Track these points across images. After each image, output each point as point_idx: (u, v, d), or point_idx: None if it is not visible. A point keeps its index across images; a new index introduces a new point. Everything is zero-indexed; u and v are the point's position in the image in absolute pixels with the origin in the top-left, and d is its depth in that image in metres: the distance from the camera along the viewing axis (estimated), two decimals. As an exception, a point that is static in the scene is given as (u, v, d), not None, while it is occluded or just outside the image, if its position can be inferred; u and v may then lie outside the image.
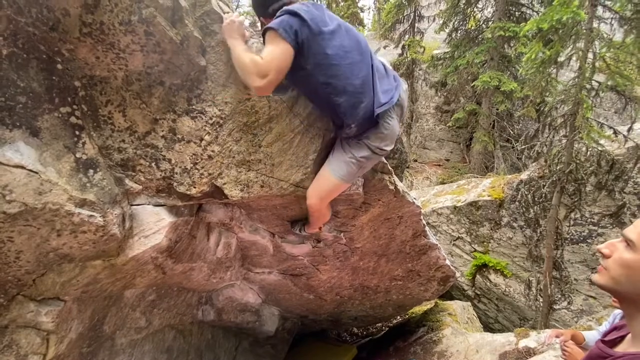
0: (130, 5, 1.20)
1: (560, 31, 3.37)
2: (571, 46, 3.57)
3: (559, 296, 4.44)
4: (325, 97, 1.43)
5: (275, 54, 1.29)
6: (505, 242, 5.38)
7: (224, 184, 1.58)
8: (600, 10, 3.73)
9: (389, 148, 1.57)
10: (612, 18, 3.69)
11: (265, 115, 1.54)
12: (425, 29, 11.37)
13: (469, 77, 9.32)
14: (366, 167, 1.66)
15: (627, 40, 3.40)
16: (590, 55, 3.50)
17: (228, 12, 1.46)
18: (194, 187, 1.57)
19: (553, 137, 4.18)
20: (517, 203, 4.77)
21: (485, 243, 5.72)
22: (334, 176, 1.57)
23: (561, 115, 3.88)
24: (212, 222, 1.96)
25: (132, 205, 1.55)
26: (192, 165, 1.54)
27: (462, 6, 9.47)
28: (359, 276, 2.94)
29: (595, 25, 3.51)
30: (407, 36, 11.39)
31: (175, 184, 1.55)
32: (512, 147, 8.73)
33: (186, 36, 1.35)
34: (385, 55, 15.16)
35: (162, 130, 1.48)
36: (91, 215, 1.34)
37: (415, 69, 11.32)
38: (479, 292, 5.88)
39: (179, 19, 1.31)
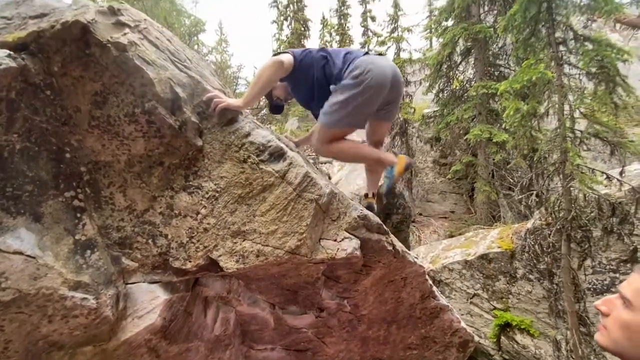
0: (134, 100, 1.35)
1: (533, 89, 3.66)
2: (547, 100, 3.82)
3: (592, 358, 4.01)
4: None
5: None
6: (525, 296, 5.05)
7: (219, 256, 1.59)
8: (567, 67, 4.09)
9: (360, 75, 1.75)
10: (579, 74, 4.03)
11: (259, 186, 1.61)
12: (413, 92, 12.26)
13: (460, 132, 9.76)
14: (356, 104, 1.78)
15: (598, 92, 3.66)
16: (566, 107, 3.73)
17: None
18: (190, 261, 1.57)
19: (548, 185, 4.22)
20: (527, 254, 4.61)
21: (504, 299, 5.37)
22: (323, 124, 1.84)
23: (551, 164, 3.98)
24: (209, 296, 1.90)
25: (127, 284, 1.53)
26: (188, 239, 1.56)
27: (445, 70, 10.34)
28: (369, 347, 2.72)
29: (565, 80, 3.82)
30: (397, 99, 12.24)
31: (171, 259, 1.55)
32: (515, 196, 8.73)
33: (185, 121, 1.49)
34: (379, 117, 16.09)
35: (160, 207, 1.54)
36: (84, 298, 1.32)
37: (408, 127, 11.92)
38: (507, 357, 5.33)
39: (178, 108, 1.47)
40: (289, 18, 23.15)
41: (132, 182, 1.50)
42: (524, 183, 4.51)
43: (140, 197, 1.52)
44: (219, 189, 1.57)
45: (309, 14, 22.92)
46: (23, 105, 1.20)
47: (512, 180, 9.27)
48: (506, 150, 8.84)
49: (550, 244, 4.16)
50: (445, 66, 10.36)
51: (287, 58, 1.77)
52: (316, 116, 2.01)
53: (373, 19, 22.88)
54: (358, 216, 1.91)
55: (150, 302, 1.54)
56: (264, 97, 2.04)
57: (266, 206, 1.63)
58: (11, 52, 1.08)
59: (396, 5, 13.92)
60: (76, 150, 1.40)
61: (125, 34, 1.26)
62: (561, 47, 4.06)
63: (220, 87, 1.79)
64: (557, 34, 4.12)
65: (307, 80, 1.89)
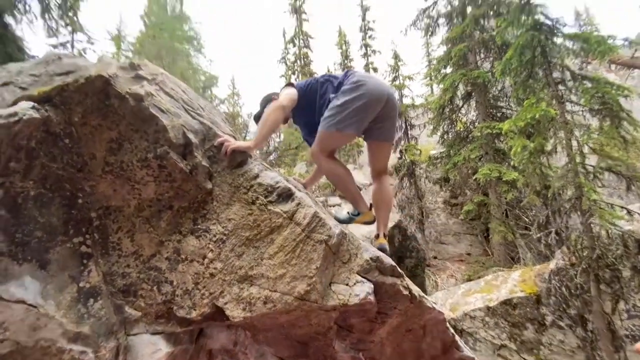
0: (147, 146, 1.40)
1: (538, 126, 3.71)
2: (553, 137, 3.85)
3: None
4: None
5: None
6: (558, 346, 4.59)
7: (226, 303, 1.51)
8: (569, 105, 4.17)
9: (359, 81, 1.89)
10: (582, 110, 4.09)
11: (267, 227, 1.59)
12: (418, 135, 12.54)
13: (469, 171, 9.74)
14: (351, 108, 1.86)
15: (604, 127, 3.68)
16: (574, 142, 3.73)
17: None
18: (195, 310, 1.49)
19: (567, 222, 4.06)
20: (554, 297, 4.28)
21: (535, 350, 4.89)
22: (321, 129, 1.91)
23: (567, 200, 3.87)
24: (214, 350, 1.78)
25: (128, 335, 1.45)
26: (193, 285, 1.51)
27: (447, 113, 10.65)
28: (389, 407, 2.45)
29: (569, 117, 3.86)
30: (402, 142, 12.47)
31: (175, 307, 1.49)
32: (533, 234, 8.39)
33: (195, 165, 1.52)
34: (386, 160, 16.33)
35: (167, 252, 1.51)
36: (82, 352, 1.25)
37: (415, 169, 11.98)
38: (546, 419, 4.70)
39: (190, 152, 1.51)
40: (296, 72, 24.80)
41: (141, 227, 1.49)
42: (541, 221, 4.35)
43: (147, 242, 1.50)
44: (226, 232, 1.55)
45: (315, 68, 24.53)
46: (42, 154, 1.25)
47: (527, 219, 8.98)
48: (517, 189, 8.70)
49: (578, 286, 3.88)
50: (448, 109, 10.69)
51: (288, 99, 1.95)
52: (310, 143, 2.17)
53: (375, 69, 24.32)
54: (370, 258, 1.84)
55: (151, 355, 1.45)
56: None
57: (274, 248, 1.59)
58: (35, 104, 1.16)
59: (396, 57, 14.85)
60: (88, 196, 1.43)
61: (142, 86, 1.35)
62: (560, 87, 4.17)
63: (231, 132, 1.86)
64: (555, 75, 4.27)
65: (311, 104, 2.05)
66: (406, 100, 13.34)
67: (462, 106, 10.77)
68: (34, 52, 5.62)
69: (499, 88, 10.08)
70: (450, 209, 11.81)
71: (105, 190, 1.45)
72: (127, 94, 1.27)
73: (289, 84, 2.09)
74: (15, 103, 1.17)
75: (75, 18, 6.10)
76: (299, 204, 1.66)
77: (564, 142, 3.77)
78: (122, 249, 1.47)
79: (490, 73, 9.19)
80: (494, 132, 8.68)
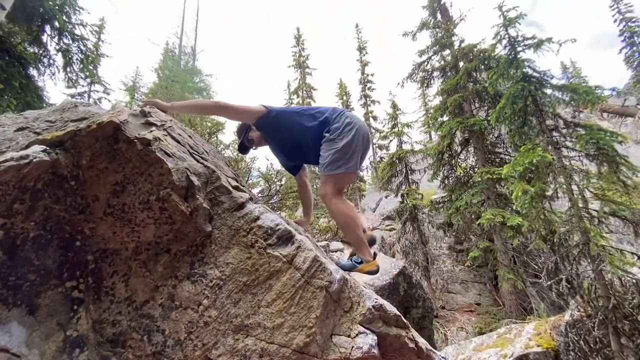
0: (151, 188, 1.43)
1: (536, 171, 3.76)
2: (553, 182, 3.88)
3: None
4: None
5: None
6: (584, 411, 4.14)
7: (219, 356, 1.41)
8: (565, 150, 4.27)
9: (352, 124, 2.03)
10: (579, 156, 4.18)
11: (265, 272, 1.54)
12: (419, 179, 12.65)
13: (472, 216, 9.64)
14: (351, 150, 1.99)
15: (603, 171, 3.72)
16: (574, 187, 3.75)
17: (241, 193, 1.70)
18: (186, 362, 1.39)
19: (577, 268, 3.91)
20: (573, 353, 3.97)
21: (558, 415, 4.40)
22: (327, 174, 1.96)
23: (574, 245, 3.77)
24: (204, 410, 1.63)
25: (112, 392, 1.34)
26: (186, 334, 1.42)
27: (447, 159, 10.85)
28: None
29: (566, 162, 3.93)
30: (403, 187, 12.56)
31: (164, 359, 1.39)
32: (543, 282, 8.03)
33: (196, 207, 1.53)
34: (387, 204, 16.28)
35: (161, 298, 1.45)
36: (60, 410, 1.15)
37: (417, 213, 11.90)
38: None
39: (192, 195, 1.52)
40: (299, 119, 25.84)
41: (137, 271, 1.46)
42: (550, 268, 4.19)
43: (142, 287, 1.45)
44: (223, 277, 1.51)
45: (317, 116, 25.64)
46: (47, 195, 1.27)
47: (536, 266, 8.67)
48: (523, 234, 8.54)
49: (597, 340, 3.61)
50: (447, 155, 10.92)
51: (242, 109, 2.05)
52: (289, 168, 2.45)
53: (375, 118, 25.43)
54: (373, 306, 1.76)
55: (134, 416, 1.32)
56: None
57: (272, 295, 1.53)
58: (47, 148, 1.20)
59: (395, 106, 15.57)
60: (87, 239, 1.42)
61: (151, 131, 1.42)
62: (554, 133, 4.31)
63: (234, 176, 1.90)
64: (548, 122, 4.43)
65: (286, 130, 2.12)
66: (405, 146, 13.68)
67: (461, 152, 11.01)
68: (52, 101, 5.96)
69: (496, 135, 10.39)
70: (456, 255, 11.48)
71: (105, 232, 1.44)
72: (136, 138, 1.32)
73: (263, 105, 2.12)
74: (28, 147, 1.22)
75: (94, 71, 6.56)
76: (299, 247, 1.64)
77: (564, 186, 3.79)
78: (115, 294, 1.42)
79: (485, 121, 9.55)
80: (494, 177, 8.77)
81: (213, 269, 1.51)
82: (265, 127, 2.12)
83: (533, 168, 3.76)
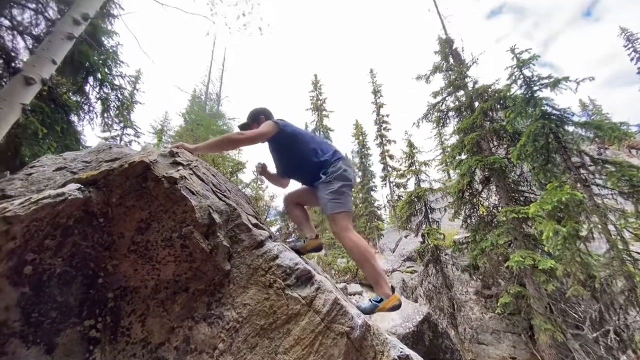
0: (174, 226, 1.45)
1: (567, 210, 3.57)
2: (586, 221, 3.65)
3: None
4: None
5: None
6: None
7: (233, 406, 1.32)
8: (595, 188, 4.07)
9: (347, 170, 2.28)
10: (611, 194, 3.96)
11: (283, 315, 1.48)
12: (439, 219, 12.29)
13: (499, 258, 9.10)
14: (345, 192, 2.19)
15: (640, 211, 3.50)
16: (611, 227, 3.50)
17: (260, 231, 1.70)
18: (198, 414, 1.31)
19: (625, 318, 3.51)
20: (632, 420, 3.42)
21: None
22: (331, 213, 2.08)
23: (619, 292, 3.43)
24: None
25: None
26: (200, 381, 1.35)
27: (467, 197, 10.58)
28: None
29: (598, 201, 3.72)
30: (424, 226, 12.20)
31: (176, 409, 1.31)
32: (587, 334, 7.22)
33: (217, 245, 1.53)
34: (408, 244, 15.73)
35: (177, 340, 1.41)
36: None
37: (440, 254, 11.39)
38: None
39: (213, 232, 1.54)
40: (317, 159, 26.38)
41: (154, 311, 1.44)
42: (593, 317, 3.79)
43: (158, 328, 1.42)
44: (240, 319, 1.45)
45: (334, 155, 26.13)
46: (76, 232, 1.31)
47: (576, 315, 7.88)
48: (557, 278, 7.91)
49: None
50: (467, 194, 10.66)
51: (256, 136, 2.18)
52: (283, 177, 2.54)
53: (391, 157, 25.62)
54: (399, 357, 1.62)
55: None
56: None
57: (290, 341, 1.45)
58: (81, 186, 1.27)
59: (411, 145, 15.69)
60: (109, 275, 1.43)
61: (178, 170, 1.48)
62: (582, 170, 4.15)
63: (254, 213, 1.91)
64: (574, 159, 4.29)
65: (293, 148, 2.28)
66: (424, 185, 13.52)
67: (482, 190, 10.73)
68: (88, 143, 6.41)
69: (518, 173, 10.13)
70: (484, 301, 10.68)
71: (127, 269, 1.45)
72: (163, 177, 1.38)
73: (274, 121, 2.28)
74: (64, 185, 1.29)
75: (128, 116, 7.08)
76: (318, 288, 1.58)
77: (600, 226, 3.55)
78: (131, 335, 1.39)
79: (506, 159, 9.38)
80: (520, 216, 8.38)
81: (230, 310, 1.46)
82: (276, 142, 2.30)
83: (562, 207, 3.58)
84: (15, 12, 5.62)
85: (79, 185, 1.27)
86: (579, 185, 3.97)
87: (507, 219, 8.67)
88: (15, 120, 3.61)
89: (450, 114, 11.92)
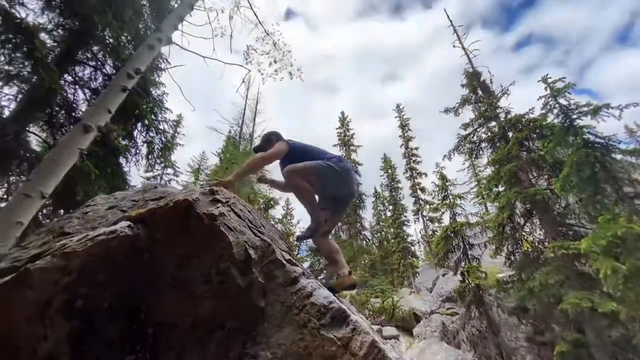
0: (212, 262, 1.49)
1: (624, 245, 3.22)
2: (651, 258, 3.25)
3: None
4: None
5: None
6: None
7: None
8: (657, 221, 3.66)
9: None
10: (677, 227, 3.54)
11: (319, 357, 1.42)
12: (479, 255, 11.52)
13: (551, 300, 8.22)
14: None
15: None
16: (683, 265, 3.08)
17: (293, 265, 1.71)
18: None
19: None
20: None
21: None
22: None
23: None
24: None
25: None
26: None
27: (509, 232, 9.91)
28: None
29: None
30: (462, 263, 11.47)
31: None
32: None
33: (252, 282, 1.54)
34: (446, 283, 14.73)
35: (211, 380, 1.39)
36: None
37: (483, 295, 10.53)
38: None
39: (248, 268, 1.56)
40: (345, 193, 26.36)
41: (191, 348, 1.44)
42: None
43: (193, 367, 1.41)
44: (275, 360, 1.41)
45: (363, 189, 26.05)
46: (124, 267, 1.39)
47: (653, 370, 6.74)
48: (622, 323, 6.94)
49: None
50: (508, 228, 10.00)
51: (273, 155, 2.55)
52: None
53: (423, 190, 24.99)
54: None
55: None
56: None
57: (327, 386, 1.37)
58: (131, 224, 1.37)
59: (443, 178, 15.29)
60: (150, 311, 1.47)
61: (217, 207, 1.55)
62: (636, 201, 3.78)
63: (287, 249, 1.93)
64: (626, 189, 3.95)
65: (301, 161, 2.50)
66: (460, 219, 12.92)
67: (524, 224, 10.02)
68: (132, 183, 6.92)
69: (563, 205, 9.42)
70: (538, 348, 9.52)
71: (167, 305, 1.49)
72: (204, 214, 1.46)
73: (285, 141, 2.66)
74: (116, 223, 1.40)
75: (169, 157, 7.63)
76: (354, 329, 1.51)
77: (668, 264, 3.14)
78: (168, 373, 1.40)
79: (548, 190, 8.81)
80: (571, 252, 7.66)
81: (265, 350, 1.43)
82: (288, 158, 2.58)
83: (619, 241, 3.24)
84: (77, 69, 6.47)
85: (129, 223, 1.37)
86: (635, 217, 3.60)
87: (556, 256, 7.93)
88: (73, 163, 4.01)
89: (483, 145, 11.61)
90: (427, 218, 23.51)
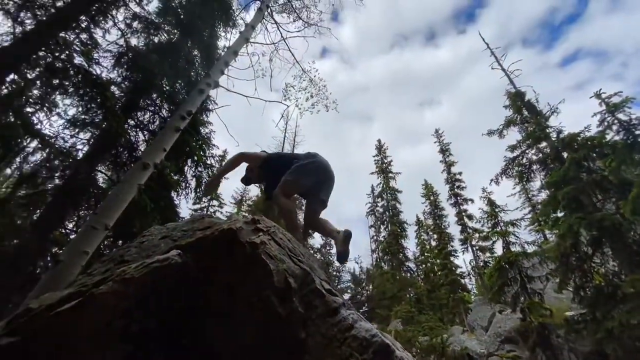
0: (254, 289, 1.52)
1: None
2: None
3: None
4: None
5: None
6: None
7: None
8: None
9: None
10: None
11: (362, 395, 1.34)
12: (541, 290, 10.34)
13: (636, 344, 7.01)
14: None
15: None
16: None
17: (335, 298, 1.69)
18: None
19: None
20: None
21: None
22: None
23: None
24: None
25: None
26: None
27: (574, 262, 8.86)
28: None
29: None
30: (522, 298, 10.35)
31: None
32: None
33: (292, 311, 1.53)
34: (504, 321, 13.25)
35: (253, 414, 1.36)
36: None
37: (549, 336, 9.30)
38: None
39: (288, 297, 1.56)
40: (385, 222, 25.68)
41: (233, 379, 1.44)
42: None
43: (235, 398, 1.41)
44: (317, 397, 1.36)
45: (404, 217, 25.15)
46: (173, 293, 1.47)
47: None
48: None
49: None
50: (573, 258, 8.94)
51: (251, 154, 3.05)
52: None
53: (470, 217, 23.52)
54: None
55: None
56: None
57: None
58: (181, 252, 1.46)
59: (492, 204, 14.33)
60: (193, 338, 1.52)
61: (259, 235, 1.61)
62: None
63: (327, 279, 1.90)
64: None
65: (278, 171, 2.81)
66: (514, 248, 11.84)
67: (593, 254, 8.90)
68: (182, 215, 7.41)
69: (639, 231, 8.29)
70: (626, 405, 8.01)
71: (209, 332, 1.53)
72: (247, 242, 1.51)
73: (263, 151, 3.18)
74: (168, 251, 1.51)
75: (216, 190, 8.12)
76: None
77: None
78: (211, 403, 1.40)
79: (618, 214, 7.84)
80: (656, 287, 6.59)
81: (306, 385, 1.39)
82: (268, 165, 2.95)
83: None
84: (139, 114, 7.32)
85: (179, 251, 1.46)
86: None
87: (637, 291, 6.86)
88: (132, 197, 4.42)
89: (534, 167, 10.83)
90: (476, 248, 21.87)
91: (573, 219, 8.32)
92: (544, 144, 10.61)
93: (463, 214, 24.08)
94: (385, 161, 28.20)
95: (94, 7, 5.94)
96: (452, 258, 22.35)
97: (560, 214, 9.36)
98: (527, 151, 11.09)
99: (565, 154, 9.69)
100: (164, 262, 1.34)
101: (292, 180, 2.71)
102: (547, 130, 10.45)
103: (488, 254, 20.08)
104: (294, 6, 9.84)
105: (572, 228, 8.34)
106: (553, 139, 10.21)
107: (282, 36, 9.16)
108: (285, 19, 9.95)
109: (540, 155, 10.64)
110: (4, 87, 5.16)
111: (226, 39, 8.32)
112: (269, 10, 8.70)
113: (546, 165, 10.37)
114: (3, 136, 4.94)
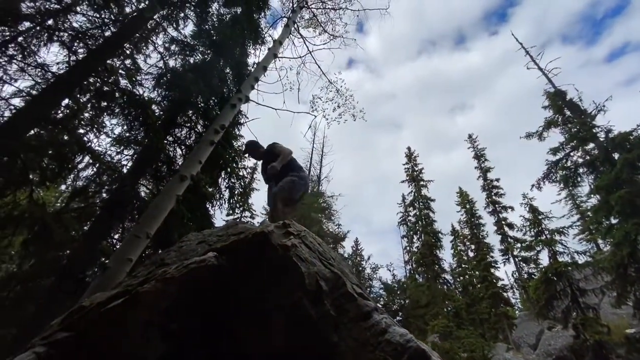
0: (286, 292, 1.54)
1: None
2: None
3: None
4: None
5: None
6: None
7: None
8: None
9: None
10: None
11: (398, 403, 1.30)
12: (596, 304, 9.42)
13: None
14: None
15: None
16: None
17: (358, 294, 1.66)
18: None
19: None
20: None
21: None
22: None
23: None
24: None
25: None
26: None
27: (633, 274, 8.02)
28: None
29: None
30: (573, 314, 9.50)
31: None
32: None
33: (323, 314, 1.53)
34: (554, 338, 12.17)
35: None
36: None
37: (609, 355, 8.41)
38: None
39: (320, 300, 1.56)
40: (418, 232, 24.84)
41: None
42: None
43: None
44: (351, 402, 1.33)
45: (438, 226, 24.19)
46: (208, 294, 1.53)
47: None
48: None
49: None
50: (632, 269, 8.09)
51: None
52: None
53: (510, 226, 22.14)
54: None
55: None
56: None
57: None
58: (216, 254, 1.52)
59: (534, 211, 13.41)
60: (228, 340, 1.56)
61: (290, 239, 1.64)
62: None
63: (358, 283, 1.88)
64: None
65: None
66: (562, 258, 10.94)
67: (656, 264, 7.99)
68: (216, 225, 7.69)
69: None
70: None
71: (244, 335, 1.56)
72: (278, 245, 1.55)
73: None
74: (204, 254, 1.58)
75: (247, 201, 8.35)
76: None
77: None
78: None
79: (684, 220, 7.04)
80: None
81: (339, 389, 1.37)
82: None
83: None
84: (176, 130, 7.77)
85: (215, 254, 1.52)
86: None
87: None
88: (171, 208, 4.67)
89: (581, 170, 10.05)
90: (519, 258, 20.47)
91: (629, 226, 7.57)
92: (591, 145, 9.84)
93: (502, 222, 22.74)
94: (416, 169, 27.47)
95: (137, 35, 6.48)
96: (492, 270, 21.05)
97: (614, 221, 8.55)
98: (571, 153, 10.34)
99: (616, 155, 8.91)
100: (201, 263, 1.40)
101: (288, 194, 3.32)
102: (594, 130, 9.69)
103: (532, 265, 18.69)
104: (319, 20, 10.10)
105: (628, 235, 7.57)
106: (601, 139, 9.44)
107: (308, 50, 9.41)
108: (311, 33, 10.23)
109: (587, 157, 9.86)
110: (59, 110, 5.75)
111: (255, 55, 8.70)
112: (295, 25, 8.99)
113: (595, 168, 9.58)
114: (60, 154, 5.47)
